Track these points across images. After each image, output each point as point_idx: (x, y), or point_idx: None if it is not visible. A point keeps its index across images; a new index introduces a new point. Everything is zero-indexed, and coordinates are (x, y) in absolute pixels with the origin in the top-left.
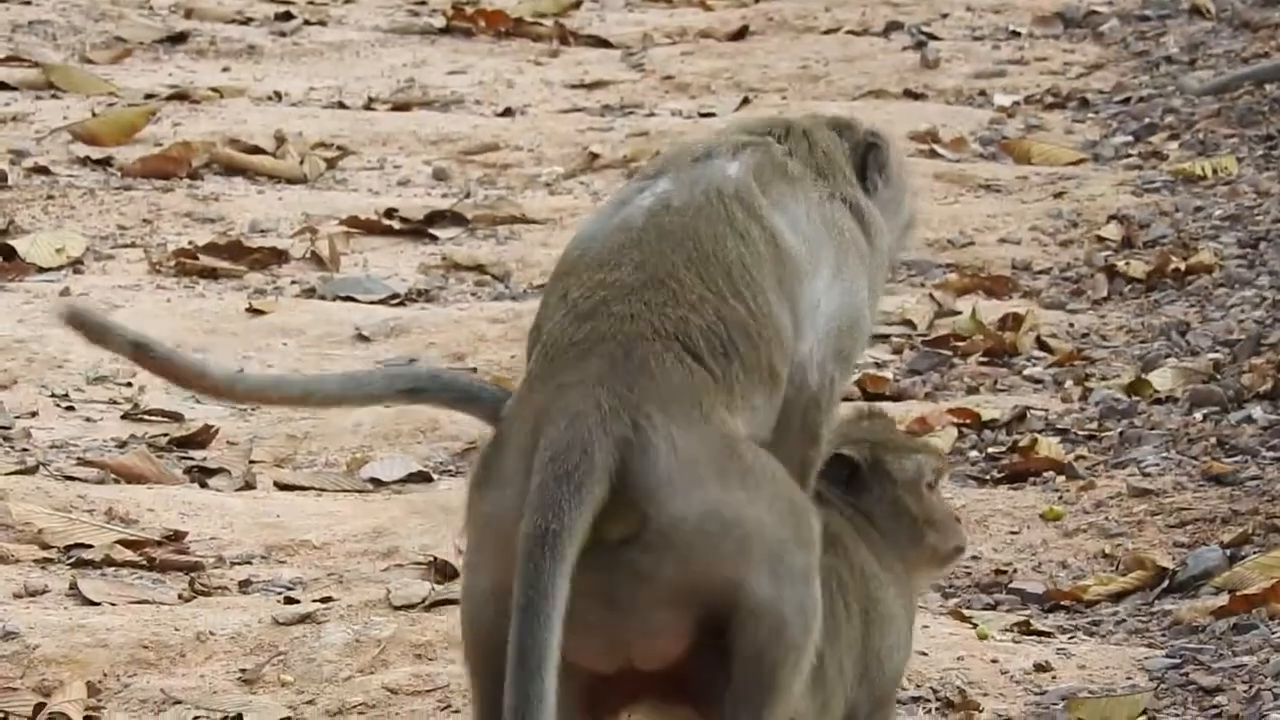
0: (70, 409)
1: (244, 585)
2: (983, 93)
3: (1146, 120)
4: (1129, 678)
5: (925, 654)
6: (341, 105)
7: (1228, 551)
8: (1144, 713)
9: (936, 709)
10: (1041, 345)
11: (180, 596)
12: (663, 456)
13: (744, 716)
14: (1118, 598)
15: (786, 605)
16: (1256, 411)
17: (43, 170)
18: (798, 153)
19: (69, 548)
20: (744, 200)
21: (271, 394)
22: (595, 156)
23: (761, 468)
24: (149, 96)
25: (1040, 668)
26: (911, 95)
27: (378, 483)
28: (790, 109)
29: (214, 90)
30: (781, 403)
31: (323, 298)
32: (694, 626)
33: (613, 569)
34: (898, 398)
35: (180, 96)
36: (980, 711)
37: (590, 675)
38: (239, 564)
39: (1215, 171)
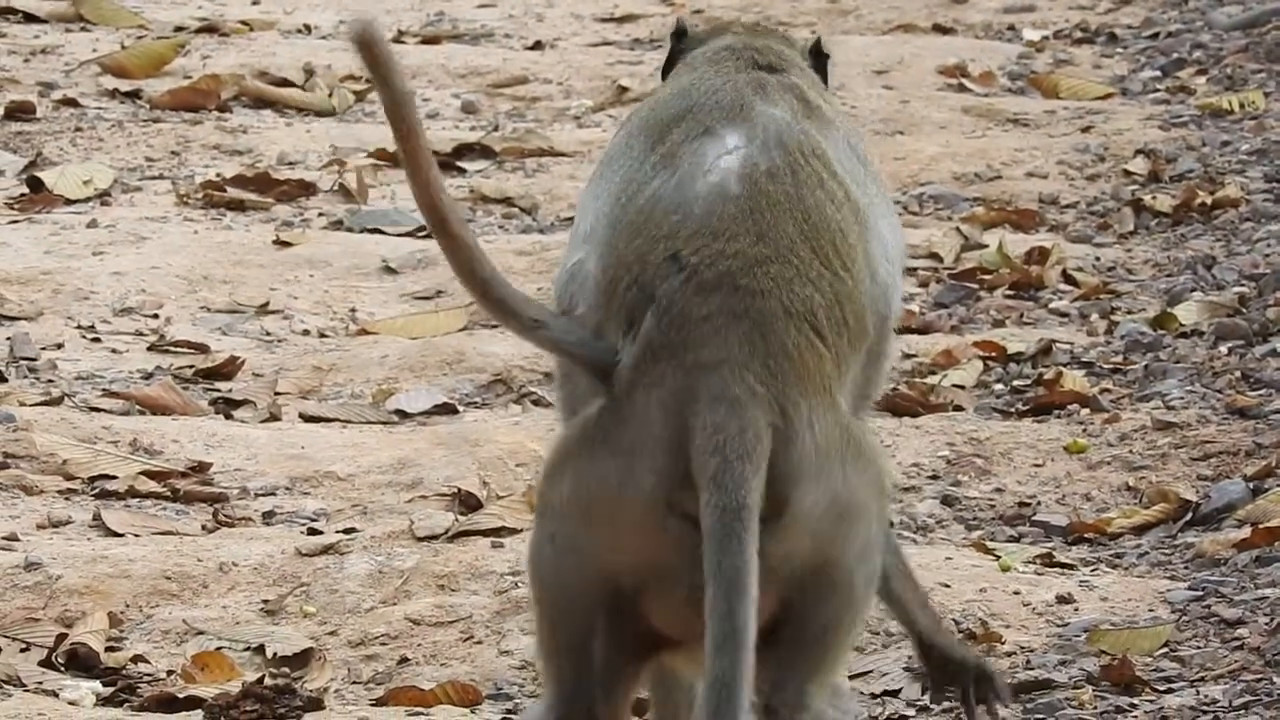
0: (96, 340)
1: (267, 516)
2: (1011, 27)
3: (1174, 55)
4: (1151, 610)
5: (948, 586)
6: None
7: (1251, 484)
8: (1165, 644)
9: (959, 640)
10: (1067, 279)
11: (203, 527)
12: (806, 444)
13: (800, 673)
14: (1141, 530)
15: (861, 578)
16: None
17: (71, 103)
18: (812, 85)
19: (93, 479)
20: (821, 157)
21: None
22: (624, 90)
23: (869, 449)
24: (178, 29)
25: (1062, 600)
26: (940, 30)
27: (403, 415)
28: None
29: (243, 23)
30: None
31: (350, 230)
32: (772, 606)
33: None
34: (924, 331)
35: (209, 29)
36: (1002, 643)
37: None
38: (263, 495)
39: (1242, 106)
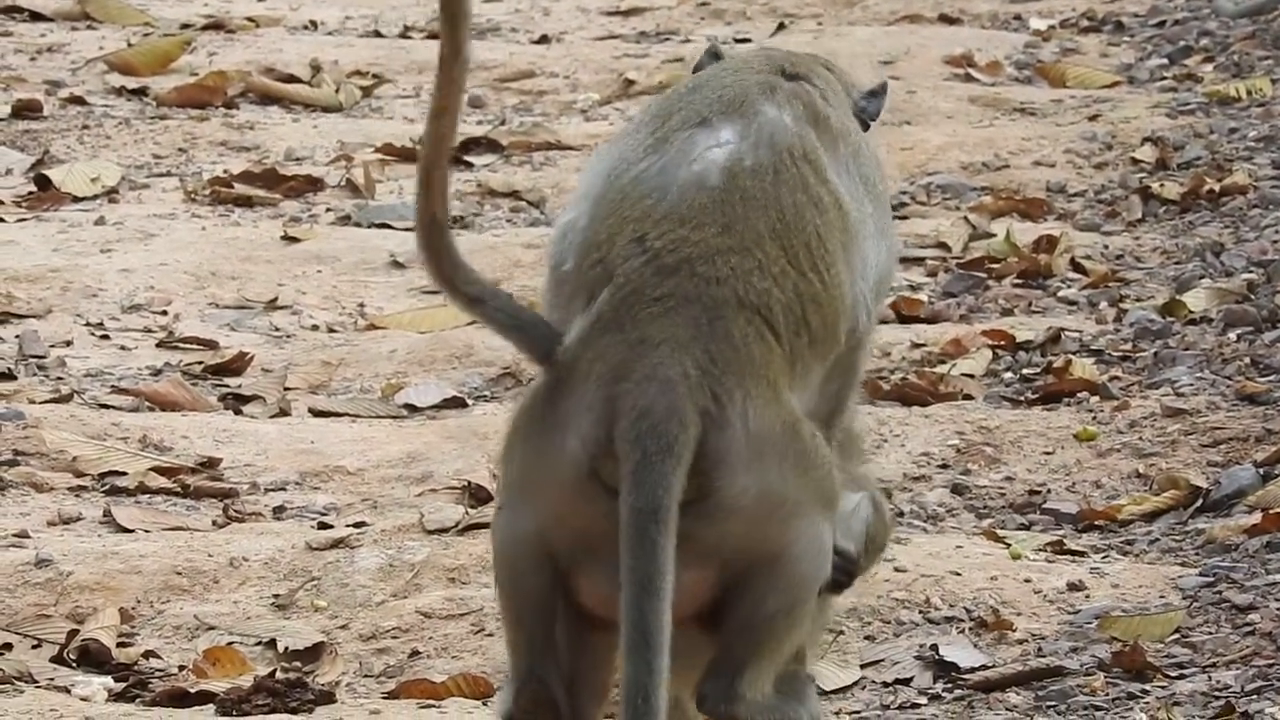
0: (105, 337)
1: (278, 511)
2: (1018, 17)
3: (1181, 43)
4: (1162, 596)
5: (959, 574)
6: (377, 34)
7: (1261, 470)
8: (1177, 631)
9: (970, 628)
10: (1076, 267)
11: (214, 523)
12: (737, 433)
13: (736, 661)
14: (1151, 517)
15: (801, 575)
16: None
17: (78, 100)
18: (829, 97)
19: (103, 475)
20: (813, 162)
21: None
22: (631, 83)
23: (815, 449)
24: (184, 26)
25: (1073, 587)
26: (947, 20)
27: (412, 408)
28: (825, 34)
29: (249, 20)
30: None
31: (358, 225)
32: (710, 587)
33: None
34: (932, 320)
35: (216, 26)
36: (1013, 631)
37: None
38: (273, 490)
39: (1250, 93)
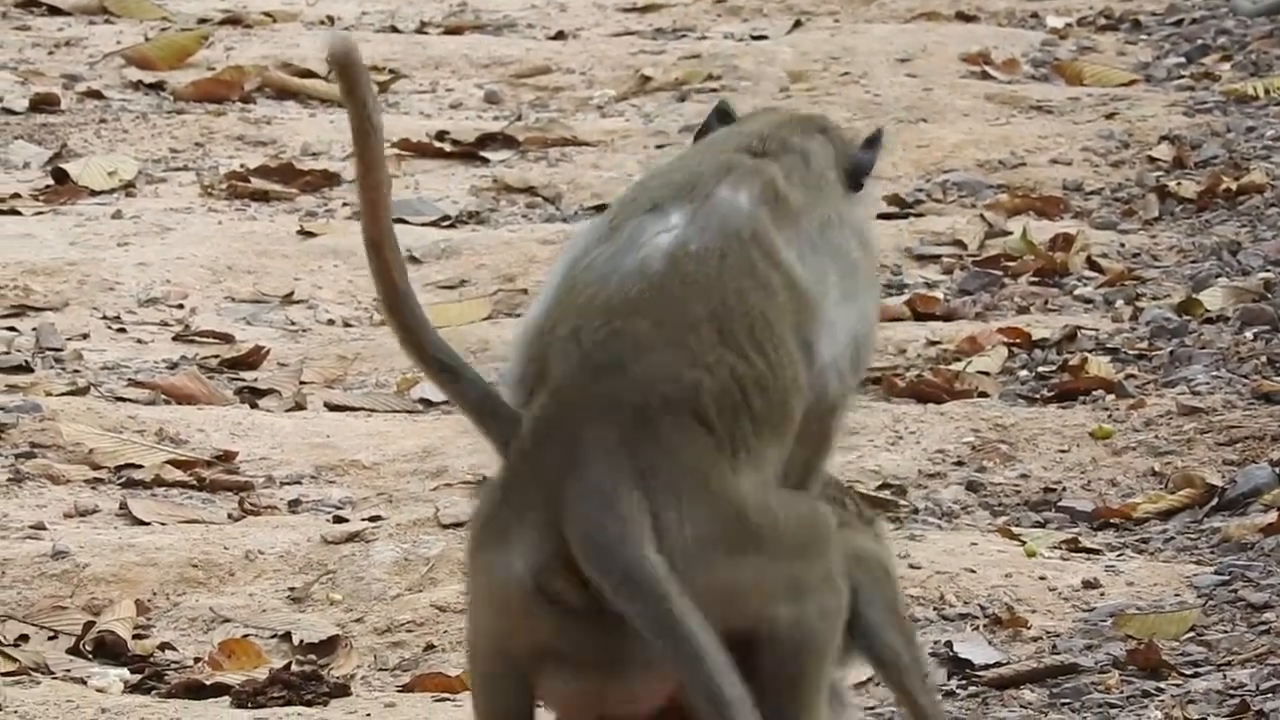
0: (121, 331)
1: (293, 505)
2: (1035, 14)
3: (1199, 41)
4: (1177, 594)
5: (973, 571)
6: (394, 29)
7: (1277, 469)
8: (1192, 629)
9: (984, 625)
10: (1092, 265)
11: (230, 516)
12: (681, 539)
13: (772, 708)
14: (1166, 515)
15: (810, 616)
16: None
17: (96, 94)
18: (795, 173)
19: (119, 468)
20: (762, 244)
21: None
22: (647, 79)
23: (770, 522)
24: (202, 21)
25: (1088, 585)
26: (964, 17)
27: (427, 403)
28: (842, 31)
29: (267, 14)
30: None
31: None
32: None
33: (609, 630)
34: (948, 317)
35: (233, 21)
36: (1028, 628)
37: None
38: (288, 484)
39: (1267, 92)
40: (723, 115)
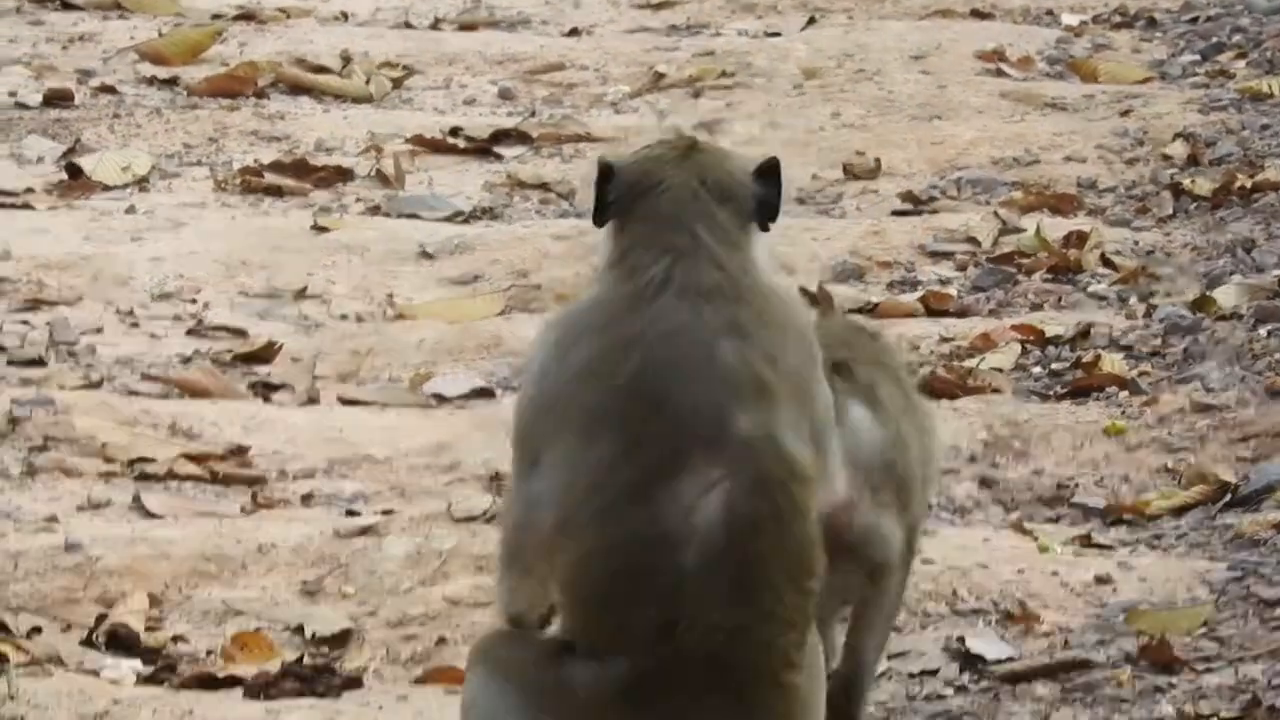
0: (135, 325)
1: (306, 499)
2: (1050, 12)
3: (1214, 39)
4: (1190, 590)
5: (986, 567)
6: (408, 25)
7: None
8: (1204, 625)
9: (997, 621)
10: (1106, 262)
11: (242, 509)
12: None
13: None
14: (1179, 512)
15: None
16: None
17: (109, 89)
18: (753, 330)
19: (132, 461)
20: (791, 471)
21: None
22: (661, 76)
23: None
24: (215, 17)
25: (1101, 580)
26: (978, 14)
27: (441, 398)
28: (856, 28)
29: (280, 10)
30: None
31: (387, 215)
32: None
33: None
34: (962, 314)
35: (247, 17)
36: (1040, 623)
37: None
38: (301, 478)
39: None
40: (606, 175)
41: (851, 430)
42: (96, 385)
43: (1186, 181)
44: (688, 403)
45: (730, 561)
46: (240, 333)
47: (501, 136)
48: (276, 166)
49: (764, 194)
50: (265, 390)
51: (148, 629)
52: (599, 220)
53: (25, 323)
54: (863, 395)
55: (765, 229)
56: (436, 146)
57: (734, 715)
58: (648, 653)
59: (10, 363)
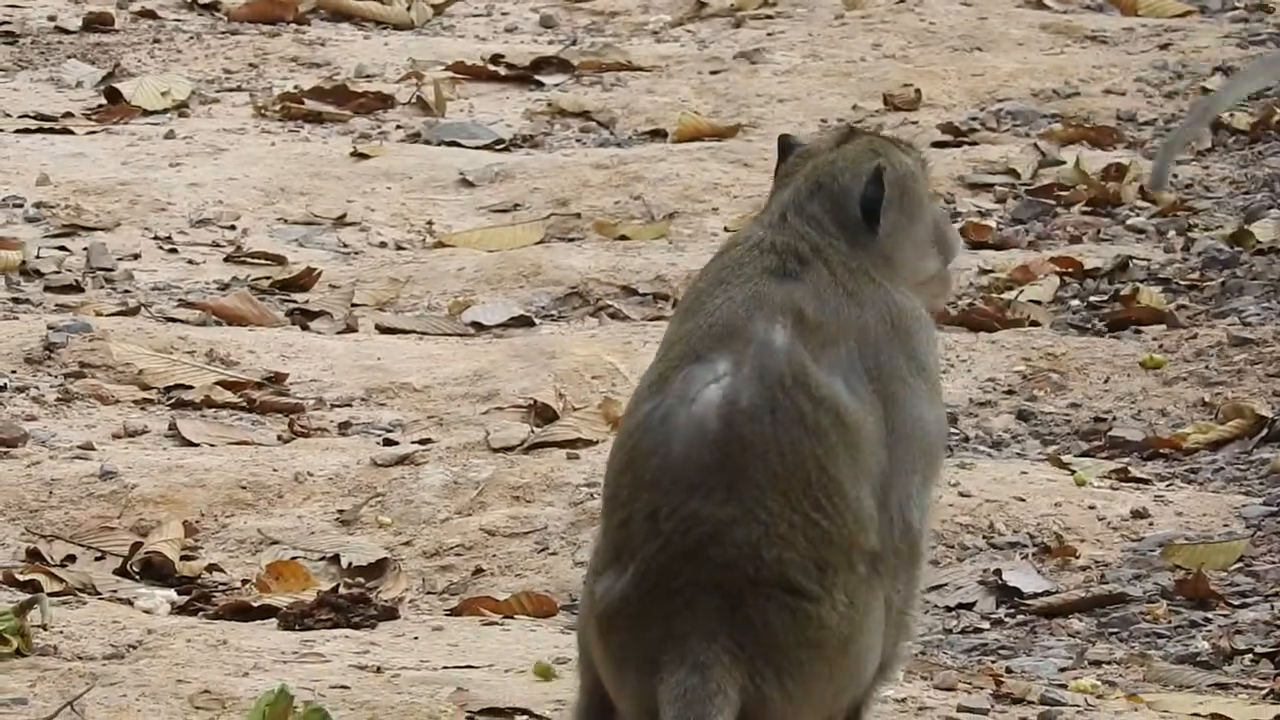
0: (173, 251)
1: (343, 427)
2: None
3: None
4: (1226, 525)
5: (1023, 500)
6: None
7: None
8: (1240, 559)
9: (1034, 554)
10: (1144, 195)
11: (279, 438)
12: (777, 707)
13: None
14: (1216, 446)
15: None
16: None
17: (149, 14)
18: (823, 289)
19: (169, 389)
20: (806, 386)
21: None
22: (702, 5)
23: (858, 659)
24: None
25: (1137, 514)
26: None
27: (479, 326)
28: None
29: None
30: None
31: (427, 142)
32: None
33: None
34: (1001, 246)
35: None
36: (1077, 557)
37: None
38: (339, 406)
39: None
40: (784, 149)
41: None
42: (133, 312)
43: (1225, 115)
44: (725, 313)
45: (716, 450)
46: (279, 259)
47: (542, 64)
48: (317, 92)
49: (868, 198)
50: (303, 318)
51: (183, 558)
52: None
53: (62, 248)
54: None
55: (872, 231)
56: (477, 74)
57: (730, 627)
58: (644, 550)
59: (47, 288)
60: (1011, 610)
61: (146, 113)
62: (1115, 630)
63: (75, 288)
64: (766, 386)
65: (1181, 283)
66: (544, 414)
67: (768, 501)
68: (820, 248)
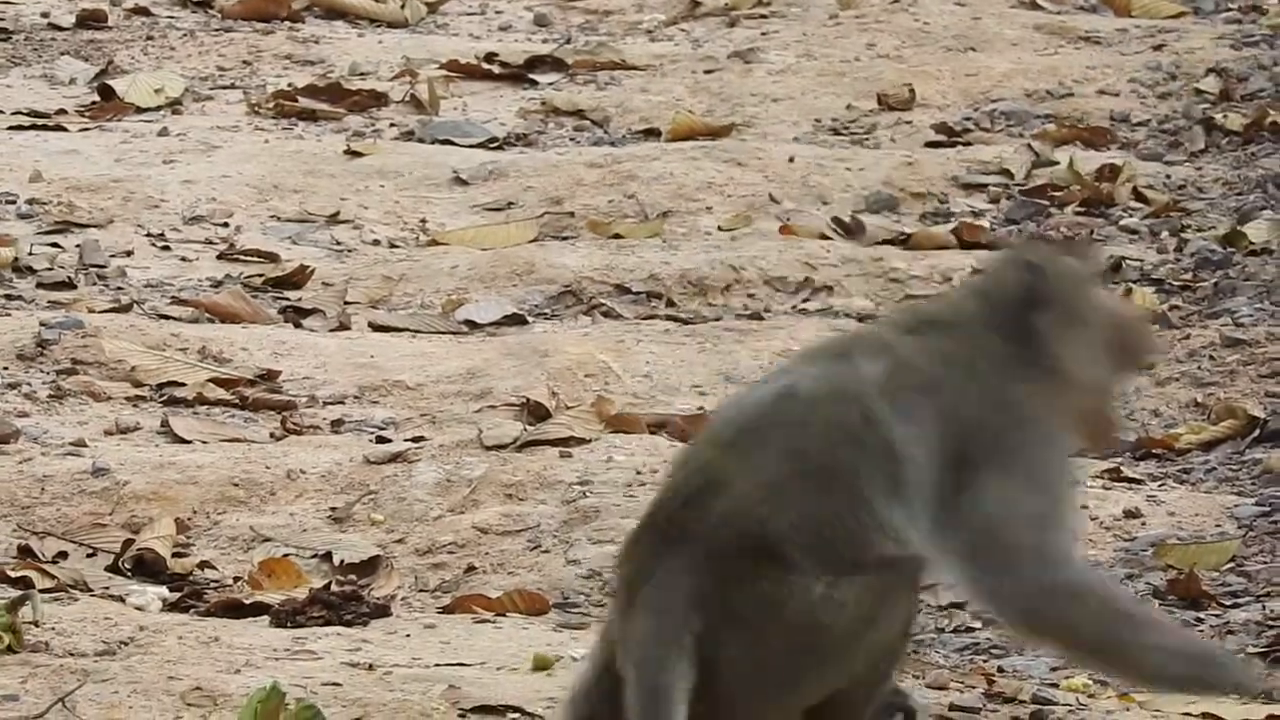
0: (166, 248)
1: (336, 425)
2: None
3: None
4: (1218, 525)
5: None
6: None
7: None
8: (1232, 559)
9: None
10: (1138, 196)
11: (271, 435)
12: (736, 670)
13: None
14: (1209, 446)
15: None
16: None
17: (143, 11)
18: (936, 349)
19: (161, 385)
20: (865, 406)
21: None
22: (697, 4)
23: (829, 652)
24: None
25: (1130, 514)
26: None
27: (472, 325)
28: None
29: None
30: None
31: (421, 141)
32: None
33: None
34: (994, 246)
35: None
36: None
37: None
38: (331, 403)
39: None
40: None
41: None
42: (126, 308)
43: (1218, 116)
44: (842, 340)
45: (754, 417)
46: (272, 257)
47: (536, 63)
48: (310, 90)
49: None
50: (296, 315)
51: (174, 555)
52: None
53: (55, 245)
54: None
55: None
56: (471, 72)
57: (701, 578)
58: (661, 491)
59: (40, 285)
60: None
61: (140, 110)
62: None
63: (68, 284)
64: (830, 389)
65: (1174, 283)
66: (537, 412)
67: (782, 470)
68: (961, 322)
